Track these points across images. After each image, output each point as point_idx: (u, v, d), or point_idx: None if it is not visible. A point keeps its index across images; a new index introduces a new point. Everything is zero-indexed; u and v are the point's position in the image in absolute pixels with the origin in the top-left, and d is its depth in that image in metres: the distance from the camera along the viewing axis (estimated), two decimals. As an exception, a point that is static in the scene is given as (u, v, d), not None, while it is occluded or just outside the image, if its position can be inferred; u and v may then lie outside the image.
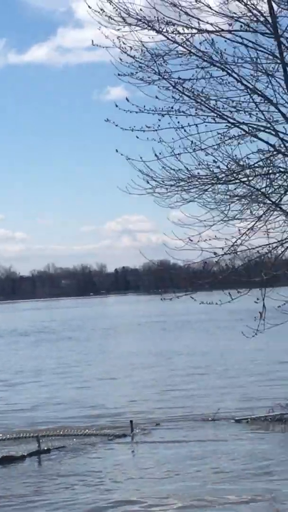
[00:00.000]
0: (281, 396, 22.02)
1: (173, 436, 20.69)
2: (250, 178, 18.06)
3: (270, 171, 18.17)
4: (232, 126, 18.33)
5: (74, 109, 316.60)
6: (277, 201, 18.10)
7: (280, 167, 18.22)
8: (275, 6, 17.08)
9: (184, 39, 17.60)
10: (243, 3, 17.23)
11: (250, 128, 18.35)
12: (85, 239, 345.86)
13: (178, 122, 18.11)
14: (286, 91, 17.24)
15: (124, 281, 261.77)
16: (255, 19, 17.33)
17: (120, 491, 16.33)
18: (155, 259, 23.97)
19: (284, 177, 18.24)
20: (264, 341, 34.06)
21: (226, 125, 18.33)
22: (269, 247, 18.62)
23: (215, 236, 18.29)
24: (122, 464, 18.75)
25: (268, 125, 18.22)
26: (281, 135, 18.32)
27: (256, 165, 18.27)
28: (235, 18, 17.49)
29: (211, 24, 17.59)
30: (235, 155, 18.32)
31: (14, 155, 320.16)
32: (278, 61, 17.33)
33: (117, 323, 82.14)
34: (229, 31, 17.69)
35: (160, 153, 18.29)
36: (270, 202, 17.86)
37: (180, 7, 17.38)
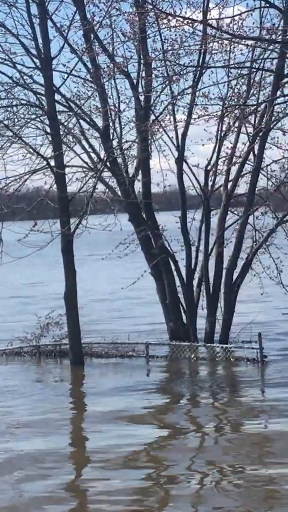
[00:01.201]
0: (21, 330, 21.97)
1: None
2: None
3: (14, 103, 18.11)
4: None
5: None
6: (18, 133, 18.06)
7: (22, 99, 18.18)
8: None
9: None
10: None
11: (-12, 60, 18.13)
12: None
13: None
14: (29, 22, 17.11)
15: None
16: None
17: None
18: None
19: (26, 109, 18.26)
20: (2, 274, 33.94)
21: None
22: (6, 180, 18.60)
23: None
24: None
25: (6, 57, 18.09)
26: (19, 68, 18.24)
27: (-4, 96, 18.11)
28: None
29: None
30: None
31: None
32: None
33: None
34: None
35: None
36: (12, 133, 17.78)
37: None
